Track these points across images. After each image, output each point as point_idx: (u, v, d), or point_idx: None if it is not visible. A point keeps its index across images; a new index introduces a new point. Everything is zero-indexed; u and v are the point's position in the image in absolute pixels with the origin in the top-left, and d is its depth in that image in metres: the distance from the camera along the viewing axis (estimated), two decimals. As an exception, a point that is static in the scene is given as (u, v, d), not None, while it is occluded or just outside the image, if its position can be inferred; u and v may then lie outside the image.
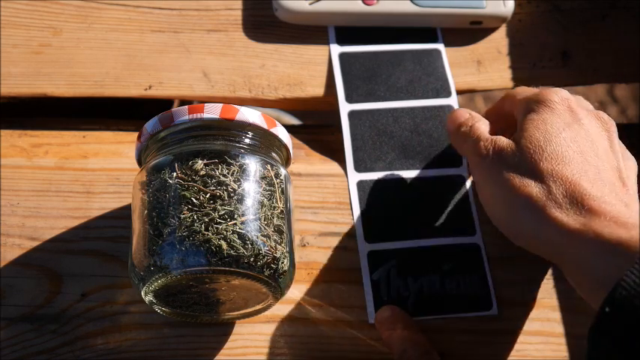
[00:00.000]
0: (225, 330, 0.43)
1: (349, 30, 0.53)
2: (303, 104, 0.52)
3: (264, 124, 0.40)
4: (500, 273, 0.46)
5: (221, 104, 0.39)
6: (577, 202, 0.37)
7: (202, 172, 0.37)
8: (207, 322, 0.42)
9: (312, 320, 0.44)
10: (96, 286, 0.43)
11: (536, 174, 0.39)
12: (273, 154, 0.41)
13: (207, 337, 0.43)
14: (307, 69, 0.52)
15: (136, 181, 0.40)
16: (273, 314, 0.43)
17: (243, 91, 0.50)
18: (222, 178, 0.37)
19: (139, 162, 0.42)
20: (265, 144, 0.41)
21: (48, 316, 0.42)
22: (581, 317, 0.45)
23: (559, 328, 0.45)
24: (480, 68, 0.53)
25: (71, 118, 0.50)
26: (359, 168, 0.48)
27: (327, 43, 0.52)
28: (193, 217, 0.36)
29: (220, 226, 0.36)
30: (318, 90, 0.51)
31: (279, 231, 0.38)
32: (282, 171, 0.40)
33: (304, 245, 0.46)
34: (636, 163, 0.42)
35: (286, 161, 0.43)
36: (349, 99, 0.50)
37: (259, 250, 0.37)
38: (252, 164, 0.38)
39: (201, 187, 0.37)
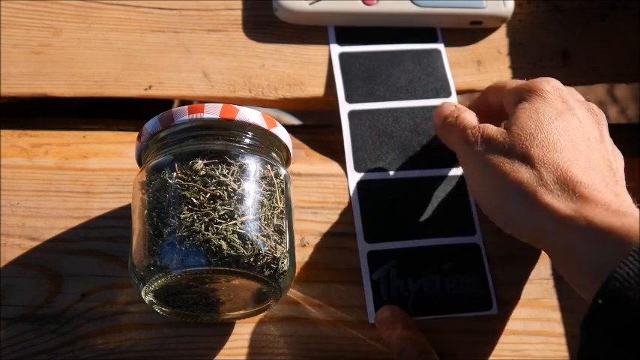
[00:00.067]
0: (225, 330, 0.43)
1: (349, 30, 0.53)
2: (303, 104, 0.52)
3: (264, 124, 0.40)
4: (500, 273, 0.46)
5: (221, 104, 0.39)
6: (568, 188, 0.37)
7: (202, 172, 0.37)
8: (207, 322, 0.42)
9: (312, 320, 0.44)
10: (96, 286, 0.43)
11: (527, 160, 0.39)
12: (273, 154, 0.41)
13: (207, 337, 0.43)
14: (307, 69, 0.52)
15: (136, 181, 0.40)
16: (273, 314, 0.43)
17: (243, 91, 0.50)
18: (222, 178, 0.37)
19: (139, 162, 0.42)
20: (265, 144, 0.41)
21: (48, 316, 0.42)
22: (581, 317, 0.45)
23: (559, 328, 0.45)
24: (480, 68, 0.53)
25: (71, 118, 0.50)
26: (359, 168, 0.48)
27: (327, 43, 0.52)
28: (193, 217, 0.36)
29: (220, 226, 0.36)
30: (318, 90, 0.51)
31: (279, 231, 0.38)
32: (282, 171, 0.40)
33: (304, 245, 0.46)
34: (623, 159, 0.42)
35: (286, 161, 0.43)
36: (349, 99, 0.50)
37: (259, 250, 0.37)
38: (252, 164, 0.38)
39: (201, 187, 0.37)
